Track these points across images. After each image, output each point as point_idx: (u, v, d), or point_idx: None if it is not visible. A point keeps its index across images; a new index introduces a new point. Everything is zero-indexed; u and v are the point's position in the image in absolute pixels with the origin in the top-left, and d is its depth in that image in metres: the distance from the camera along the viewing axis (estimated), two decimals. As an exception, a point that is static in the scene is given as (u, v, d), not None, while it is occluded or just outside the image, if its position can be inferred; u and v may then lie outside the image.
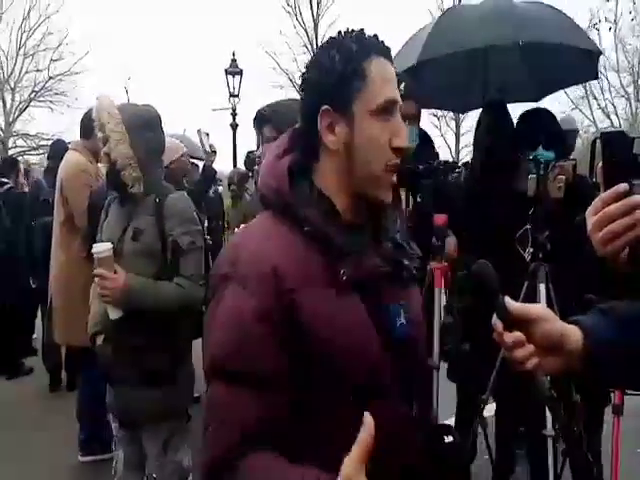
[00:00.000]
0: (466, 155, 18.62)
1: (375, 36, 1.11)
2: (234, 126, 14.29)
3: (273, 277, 1.01)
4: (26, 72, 21.99)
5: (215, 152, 4.94)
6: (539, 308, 1.04)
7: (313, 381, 1.02)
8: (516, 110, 3.09)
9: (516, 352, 0.99)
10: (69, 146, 3.95)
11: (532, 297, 2.38)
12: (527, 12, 3.43)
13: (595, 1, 18.41)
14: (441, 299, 2.46)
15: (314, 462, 0.92)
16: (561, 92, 15.69)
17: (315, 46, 20.06)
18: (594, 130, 18.65)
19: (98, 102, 2.21)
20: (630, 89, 19.84)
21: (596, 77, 3.84)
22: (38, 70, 21.85)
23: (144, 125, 2.21)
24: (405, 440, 1.08)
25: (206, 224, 4.79)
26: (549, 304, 2.34)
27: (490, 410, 2.69)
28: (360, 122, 1.07)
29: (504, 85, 3.57)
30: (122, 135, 2.13)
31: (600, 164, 1.13)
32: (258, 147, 1.94)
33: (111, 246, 2.11)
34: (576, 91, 18.72)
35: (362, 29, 1.11)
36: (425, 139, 3.04)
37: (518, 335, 0.99)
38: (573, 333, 1.02)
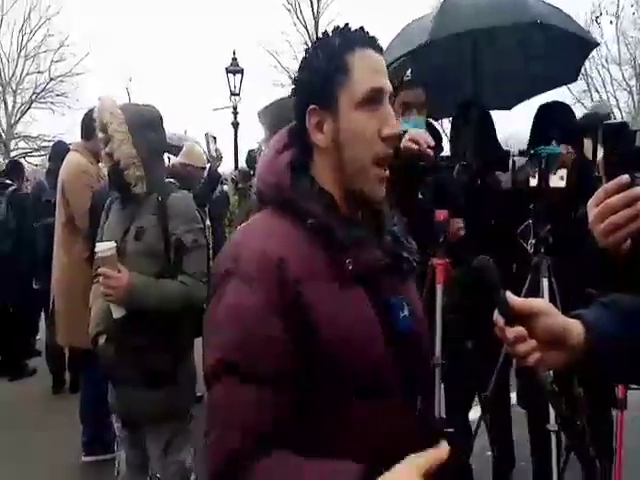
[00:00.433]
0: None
1: (361, 28, 1.10)
2: (235, 125, 14.30)
3: (276, 272, 1.00)
4: (27, 74, 22.08)
5: (221, 157, 4.95)
6: (541, 303, 1.04)
7: (316, 379, 1.01)
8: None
9: (518, 347, 0.99)
10: (70, 147, 3.96)
11: (535, 291, 2.38)
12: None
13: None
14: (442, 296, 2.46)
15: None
16: (563, 87, 15.67)
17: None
18: (596, 124, 18.52)
19: (100, 103, 2.22)
20: (632, 82, 19.77)
21: (575, 79, 3.81)
22: (39, 72, 21.93)
23: (146, 125, 2.22)
24: (408, 437, 1.08)
25: (208, 223, 4.80)
26: (551, 298, 2.33)
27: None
28: (346, 116, 1.07)
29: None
30: (125, 135, 2.14)
31: (602, 155, 1.12)
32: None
33: (114, 245, 2.11)
34: (578, 85, 18.68)
35: (347, 23, 1.11)
36: (431, 132, 3.00)
37: (520, 330, 0.98)
38: (575, 327, 1.02)
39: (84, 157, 3.65)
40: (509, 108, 4.03)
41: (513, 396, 2.96)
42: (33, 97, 22.11)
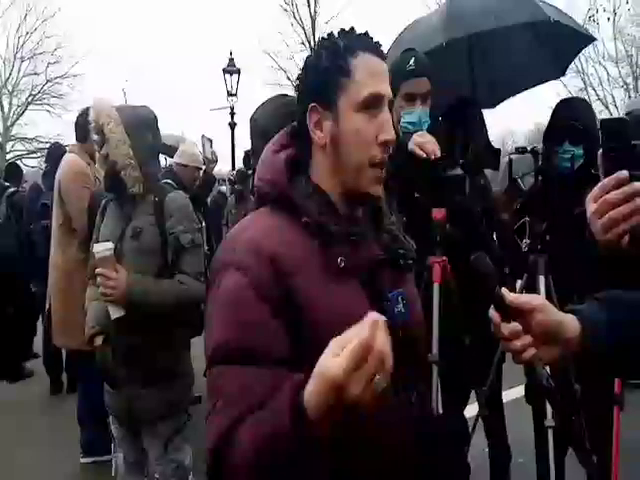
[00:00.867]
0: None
1: (365, 33, 1.13)
2: (232, 125, 14.29)
3: (271, 262, 1.03)
4: (24, 76, 22.03)
5: (216, 160, 4.96)
6: (536, 299, 1.05)
7: (311, 367, 1.02)
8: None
9: (513, 343, 1.00)
10: (67, 149, 3.96)
11: (532, 288, 2.39)
12: None
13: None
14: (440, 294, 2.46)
15: None
16: (559, 84, 15.69)
17: (312, 44, 20.03)
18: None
19: (96, 104, 2.22)
20: (629, 79, 19.77)
21: (563, 74, 3.78)
22: (36, 73, 21.88)
23: (143, 126, 2.23)
24: (403, 428, 1.09)
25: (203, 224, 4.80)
26: (548, 295, 2.34)
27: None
28: (345, 117, 1.09)
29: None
30: (122, 136, 2.14)
31: (600, 151, 1.13)
32: None
33: (112, 245, 2.11)
34: (574, 82, 18.71)
35: (352, 27, 1.14)
36: (435, 122, 2.96)
37: (515, 326, 0.99)
38: (571, 322, 1.02)
39: (81, 158, 3.65)
40: (494, 106, 4.01)
41: (508, 393, 2.97)
42: (29, 99, 22.08)
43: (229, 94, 14.31)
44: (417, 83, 2.39)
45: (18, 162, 12.19)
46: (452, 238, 2.40)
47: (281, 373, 0.96)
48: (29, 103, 22.14)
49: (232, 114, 14.33)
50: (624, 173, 1.01)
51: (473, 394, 2.73)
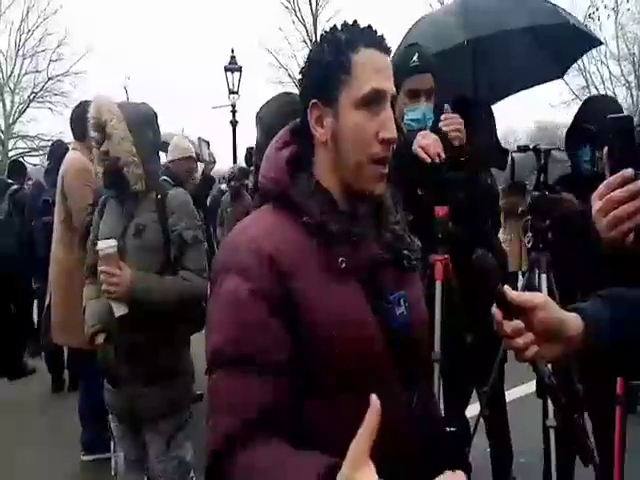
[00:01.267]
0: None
1: (368, 27, 1.11)
2: (234, 123, 14.28)
3: (270, 264, 1.02)
4: (25, 73, 22.07)
5: (214, 161, 4.97)
6: (538, 297, 1.04)
7: (310, 369, 1.02)
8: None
9: (515, 340, 1.00)
10: (70, 146, 3.96)
11: (533, 287, 2.38)
12: None
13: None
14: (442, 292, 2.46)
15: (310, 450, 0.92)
16: (561, 82, 15.65)
17: (314, 41, 20.00)
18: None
19: (96, 101, 2.22)
20: (631, 78, 19.73)
21: (563, 75, 3.76)
22: (37, 71, 21.92)
23: (144, 122, 2.23)
24: (404, 430, 1.08)
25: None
26: (550, 293, 2.33)
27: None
28: (345, 113, 1.08)
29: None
30: (125, 133, 2.14)
31: (605, 149, 1.12)
32: None
33: (115, 243, 2.11)
34: (577, 81, 18.67)
35: (355, 20, 1.12)
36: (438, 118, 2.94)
37: (517, 323, 0.99)
38: (573, 320, 1.02)
39: (84, 155, 3.65)
40: (492, 104, 4.00)
41: (510, 392, 2.96)
42: (31, 96, 22.11)
43: (230, 92, 14.28)
44: (421, 79, 2.35)
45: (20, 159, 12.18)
46: (455, 236, 2.40)
47: (282, 385, 0.97)
48: (31, 101, 22.17)
49: (234, 112, 14.31)
50: (629, 171, 1.01)
51: (475, 394, 2.73)
